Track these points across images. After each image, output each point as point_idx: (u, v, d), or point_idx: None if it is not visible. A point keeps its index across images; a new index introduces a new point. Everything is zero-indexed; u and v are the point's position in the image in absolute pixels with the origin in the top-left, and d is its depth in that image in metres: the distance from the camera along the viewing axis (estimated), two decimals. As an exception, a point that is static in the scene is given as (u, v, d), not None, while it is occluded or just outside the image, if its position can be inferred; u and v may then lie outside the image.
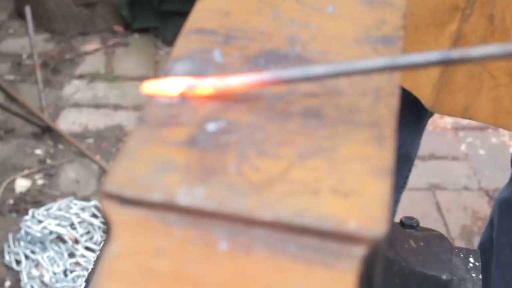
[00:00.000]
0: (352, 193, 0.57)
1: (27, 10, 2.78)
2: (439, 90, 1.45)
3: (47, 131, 2.77)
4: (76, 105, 2.98)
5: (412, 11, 1.40)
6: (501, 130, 3.06)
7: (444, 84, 1.44)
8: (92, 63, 3.20)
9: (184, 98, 0.66)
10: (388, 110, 0.66)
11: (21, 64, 3.14)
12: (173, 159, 0.60)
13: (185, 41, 0.73)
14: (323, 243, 0.55)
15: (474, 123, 3.02)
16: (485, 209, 2.67)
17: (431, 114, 1.73)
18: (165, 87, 0.66)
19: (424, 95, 1.47)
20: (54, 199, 2.54)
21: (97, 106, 2.99)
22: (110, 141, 2.82)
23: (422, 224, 1.10)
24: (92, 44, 3.29)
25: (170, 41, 3.36)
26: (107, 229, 0.57)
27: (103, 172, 2.65)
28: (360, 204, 0.57)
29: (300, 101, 0.66)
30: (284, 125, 0.64)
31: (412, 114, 1.65)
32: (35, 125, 2.78)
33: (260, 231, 0.56)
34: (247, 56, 0.71)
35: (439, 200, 2.66)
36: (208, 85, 0.65)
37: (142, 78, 3.06)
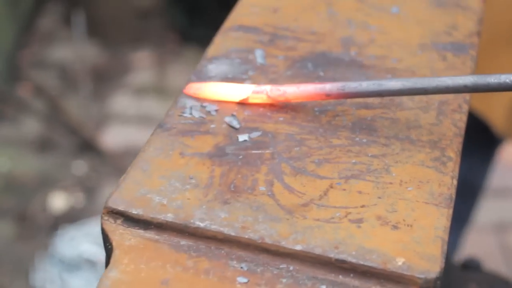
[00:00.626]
0: (403, 224, 0.52)
1: (76, 17, 2.78)
2: None
3: (88, 146, 2.76)
4: (122, 119, 2.97)
5: (488, 28, 1.33)
6: None
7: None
8: (142, 74, 3.18)
9: (215, 103, 0.61)
10: (453, 128, 0.60)
11: (67, 73, 3.15)
12: (194, 173, 0.55)
13: (224, 38, 0.68)
14: (363, 284, 0.49)
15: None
16: None
17: (504, 141, 1.65)
18: (202, 91, 0.61)
19: (496, 120, 1.40)
20: (91, 216, 2.52)
21: (144, 120, 2.97)
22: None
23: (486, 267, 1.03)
24: (143, 55, 3.28)
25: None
26: (108, 253, 0.52)
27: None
28: (411, 238, 0.51)
29: (350, 112, 0.61)
30: (328, 139, 0.58)
31: (483, 138, 1.57)
32: (77, 138, 2.77)
33: (287, 264, 0.50)
34: (293, 58, 0.66)
35: (508, 241, 2.56)
36: (258, 92, 0.60)
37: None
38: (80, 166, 2.79)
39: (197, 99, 0.61)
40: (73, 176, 2.75)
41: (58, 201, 2.63)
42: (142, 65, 3.27)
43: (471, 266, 1.01)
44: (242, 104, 0.61)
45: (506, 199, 2.77)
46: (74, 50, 3.20)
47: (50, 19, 3.44)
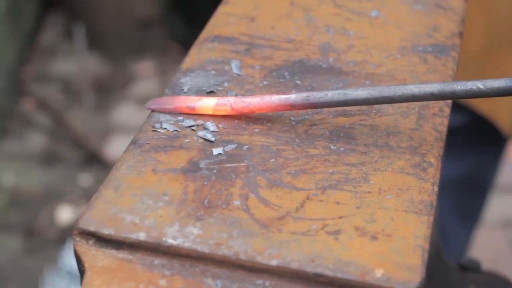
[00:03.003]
0: (382, 234, 0.50)
1: (77, 30, 2.76)
2: None
3: (94, 158, 2.74)
4: (127, 129, 2.95)
5: (492, 29, 1.31)
6: None
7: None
8: (145, 84, 3.17)
9: (189, 117, 0.59)
10: (434, 133, 0.58)
11: (70, 86, 3.14)
12: (167, 189, 0.53)
13: (199, 50, 0.66)
14: (341, 297, 0.47)
15: None
16: None
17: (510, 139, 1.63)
18: (171, 104, 0.60)
19: (502, 120, 1.38)
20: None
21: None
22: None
23: (493, 266, 1.00)
24: (145, 65, 3.26)
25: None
26: (81, 275, 0.50)
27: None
28: (391, 248, 0.49)
29: (328, 120, 0.59)
30: (305, 149, 0.56)
31: (490, 136, 1.55)
32: (82, 150, 2.75)
33: (264, 280, 0.48)
34: (270, 67, 0.64)
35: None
36: (222, 104, 0.59)
37: (199, 101, 3.03)
38: (86, 179, 2.78)
39: (171, 113, 0.59)
40: (79, 188, 2.74)
41: (65, 214, 2.62)
42: (145, 75, 3.25)
43: (471, 267, 0.99)
44: (217, 116, 0.59)
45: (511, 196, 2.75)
46: (76, 63, 3.19)
47: (51, 33, 3.43)
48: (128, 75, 3.26)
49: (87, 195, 2.71)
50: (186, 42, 3.31)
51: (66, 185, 2.73)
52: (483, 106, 1.39)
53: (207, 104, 0.58)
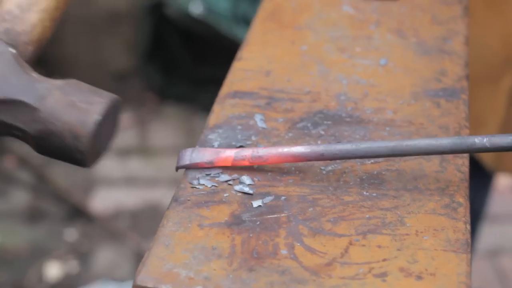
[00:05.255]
0: (426, 273, 0.52)
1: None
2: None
3: (78, 212, 2.74)
4: (109, 182, 2.96)
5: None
6: None
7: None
8: (125, 136, 3.18)
9: (223, 171, 0.61)
10: (458, 174, 0.61)
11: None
12: (215, 243, 0.55)
13: (222, 106, 0.69)
14: (396, 336, 0.50)
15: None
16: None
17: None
18: (202, 160, 0.62)
19: (486, 157, 1.42)
20: (86, 283, 2.50)
21: (130, 182, 2.96)
22: (146, 220, 2.78)
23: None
24: (124, 116, 3.28)
25: (206, 109, 3.34)
26: (141, 330, 0.52)
27: (139, 253, 2.61)
28: (436, 287, 0.51)
29: (356, 168, 0.61)
30: (339, 197, 0.59)
31: (479, 168, 1.59)
32: (66, 205, 2.75)
33: (320, 324, 0.50)
34: (292, 119, 0.67)
35: (502, 265, 2.55)
36: (235, 159, 0.61)
37: (178, 149, 3.05)
38: (72, 233, 2.77)
39: (202, 168, 0.62)
40: (66, 243, 2.73)
41: (53, 270, 2.61)
42: (123, 126, 3.27)
43: None
44: (250, 167, 0.61)
45: (498, 225, 2.78)
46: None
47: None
48: (106, 128, 3.27)
49: (74, 250, 2.70)
50: (163, 91, 3.34)
51: (52, 241, 2.72)
52: None
53: (226, 157, 0.61)
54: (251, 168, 0.61)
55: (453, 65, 0.73)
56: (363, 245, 0.54)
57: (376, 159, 0.62)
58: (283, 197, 0.59)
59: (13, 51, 0.61)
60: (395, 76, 0.72)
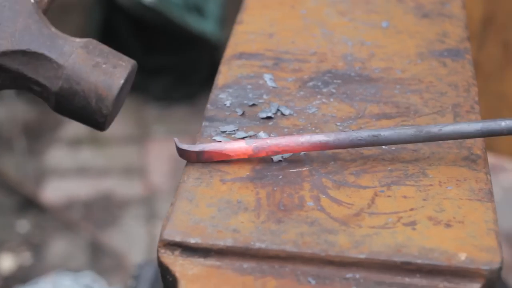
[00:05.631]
0: (454, 221, 0.52)
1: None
2: None
3: (30, 203, 2.70)
4: (60, 172, 2.92)
5: None
6: None
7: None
8: (75, 126, 3.14)
9: (240, 128, 0.61)
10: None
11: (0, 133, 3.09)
12: (240, 197, 0.54)
13: (229, 67, 0.68)
14: (431, 282, 0.49)
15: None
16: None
17: None
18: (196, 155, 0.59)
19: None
20: (42, 274, 2.46)
21: (82, 172, 2.92)
22: (100, 210, 2.75)
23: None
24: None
25: (157, 97, 3.32)
26: (170, 286, 0.51)
27: (94, 243, 2.58)
28: (466, 234, 0.51)
29: (372, 123, 0.61)
30: (359, 151, 0.59)
31: None
32: (17, 196, 2.71)
33: (354, 273, 0.50)
34: (302, 79, 0.66)
35: None
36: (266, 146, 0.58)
37: (130, 139, 3.02)
38: (24, 225, 2.73)
39: (216, 125, 0.61)
40: (18, 235, 2.69)
41: (6, 263, 2.56)
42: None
43: None
44: (265, 124, 0.61)
45: None
46: (3, 110, 3.15)
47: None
48: (57, 118, 3.23)
49: (27, 242, 2.66)
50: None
51: (4, 232, 2.68)
52: None
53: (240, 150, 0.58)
54: (266, 125, 0.61)
55: (454, 27, 0.73)
56: (389, 196, 0.54)
57: (389, 115, 0.62)
58: (302, 152, 0.58)
59: (33, 1, 0.60)
60: (398, 37, 0.72)
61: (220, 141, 0.59)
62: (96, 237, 2.64)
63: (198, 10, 2.82)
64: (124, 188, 2.86)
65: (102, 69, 0.58)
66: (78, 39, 0.60)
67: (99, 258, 2.65)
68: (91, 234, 2.64)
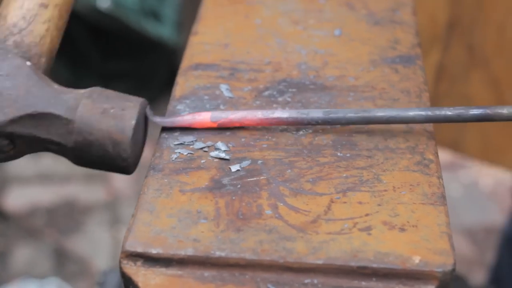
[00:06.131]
0: (408, 225, 0.54)
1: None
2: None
3: (-8, 211, 2.68)
4: (22, 180, 2.91)
5: None
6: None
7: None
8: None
9: (198, 140, 0.62)
10: (425, 133, 0.62)
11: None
12: (199, 207, 0.55)
13: (186, 78, 0.69)
14: (387, 285, 0.51)
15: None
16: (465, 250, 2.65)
17: None
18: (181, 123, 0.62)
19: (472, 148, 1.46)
20: (7, 282, 2.45)
21: (44, 179, 2.91)
22: (63, 216, 2.74)
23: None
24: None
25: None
26: (133, 295, 0.52)
27: (58, 250, 2.57)
28: (420, 237, 0.53)
29: (327, 131, 0.63)
30: (315, 158, 0.60)
31: None
32: (-22, 205, 2.69)
33: (311, 279, 0.51)
34: (258, 88, 0.67)
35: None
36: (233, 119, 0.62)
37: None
38: (-14, 233, 2.71)
39: (175, 136, 0.62)
40: (-20, 244, 2.67)
41: (-31, 271, 2.54)
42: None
43: None
44: (223, 135, 0.62)
45: None
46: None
47: None
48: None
49: (-10, 250, 2.64)
50: (71, 85, 3.30)
51: (-34, 242, 2.65)
52: None
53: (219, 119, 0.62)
54: (223, 135, 0.62)
55: (405, 34, 0.75)
56: (345, 202, 0.56)
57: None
58: (260, 161, 0.59)
59: (29, 63, 0.60)
60: (351, 45, 0.73)
61: (189, 116, 0.62)
62: (60, 243, 2.63)
63: (155, 15, 2.82)
64: (87, 194, 2.85)
65: (111, 114, 0.58)
66: (81, 90, 0.60)
67: (63, 264, 2.64)
68: (55, 240, 2.63)
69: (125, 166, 0.59)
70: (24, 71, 0.60)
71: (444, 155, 2.62)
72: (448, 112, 0.61)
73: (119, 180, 2.76)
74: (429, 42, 1.35)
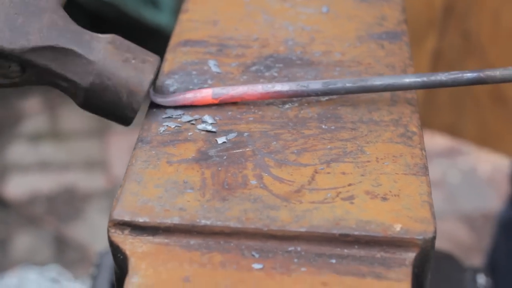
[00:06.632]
0: (390, 195, 0.55)
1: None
2: (424, 108, 1.45)
3: (-8, 199, 2.69)
4: (22, 167, 2.91)
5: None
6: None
7: (428, 101, 1.44)
8: (35, 121, 3.14)
9: (185, 113, 0.62)
10: (409, 107, 0.63)
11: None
12: (186, 177, 0.56)
13: (175, 54, 0.70)
14: (369, 252, 0.52)
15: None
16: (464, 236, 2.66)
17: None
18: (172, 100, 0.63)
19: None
20: (7, 269, 2.46)
21: (43, 166, 2.92)
22: (63, 204, 2.75)
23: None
24: (33, 101, 3.23)
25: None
26: (120, 264, 0.53)
27: (58, 237, 2.58)
28: (401, 206, 0.54)
29: (313, 104, 0.63)
30: (300, 131, 0.61)
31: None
32: (-22, 193, 2.70)
33: (295, 246, 0.52)
34: (245, 63, 0.68)
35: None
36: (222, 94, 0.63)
37: (90, 132, 3.03)
38: (-14, 220, 2.72)
39: (163, 110, 0.63)
40: (-20, 231, 2.68)
41: (-31, 258, 2.55)
42: (33, 111, 3.22)
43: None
44: (210, 109, 0.63)
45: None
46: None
47: None
48: (16, 114, 3.22)
49: (-10, 237, 2.65)
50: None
51: (-34, 229, 2.66)
52: None
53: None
54: (211, 109, 0.63)
55: (392, 11, 0.76)
56: (328, 173, 0.56)
57: (331, 96, 0.64)
58: (246, 134, 0.60)
59: None
60: (338, 22, 0.74)
61: (190, 94, 0.63)
62: (60, 230, 2.65)
63: (153, 3, 2.83)
64: (87, 181, 2.86)
65: (132, 64, 0.59)
66: (102, 35, 0.60)
67: (64, 251, 2.65)
68: (55, 228, 2.64)
69: (132, 117, 0.60)
70: (51, 2, 0.60)
71: (443, 142, 2.62)
72: (443, 77, 0.61)
73: (118, 167, 2.78)
74: (425, 27, 1.35)
